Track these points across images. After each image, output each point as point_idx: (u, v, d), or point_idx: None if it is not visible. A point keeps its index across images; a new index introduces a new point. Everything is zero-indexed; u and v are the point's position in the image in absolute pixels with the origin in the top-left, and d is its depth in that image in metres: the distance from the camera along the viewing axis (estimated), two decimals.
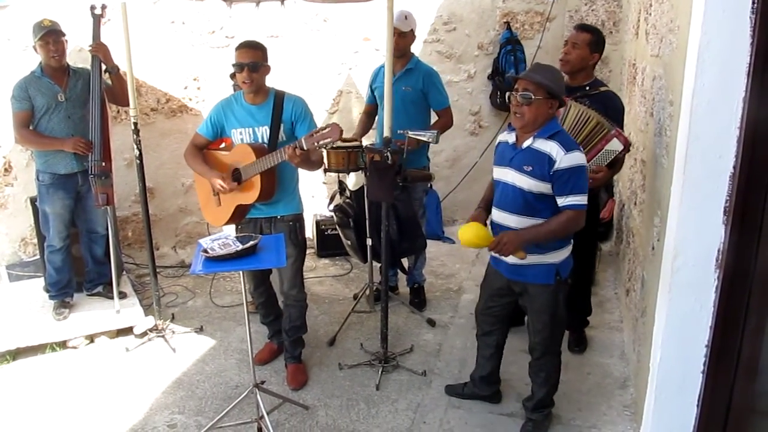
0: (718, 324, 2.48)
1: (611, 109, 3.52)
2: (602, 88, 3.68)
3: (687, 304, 2.50)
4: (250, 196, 3.56)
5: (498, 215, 3.06)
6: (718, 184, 2.34)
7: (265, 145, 3.55)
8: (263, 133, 3.57)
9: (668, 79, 3.08)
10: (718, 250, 2.40)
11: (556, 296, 3.07)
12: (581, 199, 2.84)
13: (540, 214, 2.92)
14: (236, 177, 3.56)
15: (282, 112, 3.57)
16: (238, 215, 3.70)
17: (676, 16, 2.94)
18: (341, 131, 3.23)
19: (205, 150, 3.74)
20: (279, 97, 3.60)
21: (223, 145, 3.81)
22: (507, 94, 2.94)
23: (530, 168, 2.87)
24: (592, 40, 3.64)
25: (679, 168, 2.45)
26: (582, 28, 3.76)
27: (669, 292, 2.53)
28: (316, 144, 3.25)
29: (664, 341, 2.60)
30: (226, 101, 3.69)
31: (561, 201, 2.86)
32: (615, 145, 3.38)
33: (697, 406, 2.61)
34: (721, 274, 2.42)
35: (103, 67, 4.17)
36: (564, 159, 2.80)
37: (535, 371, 3.29)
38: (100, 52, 4.10)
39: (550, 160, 2.82)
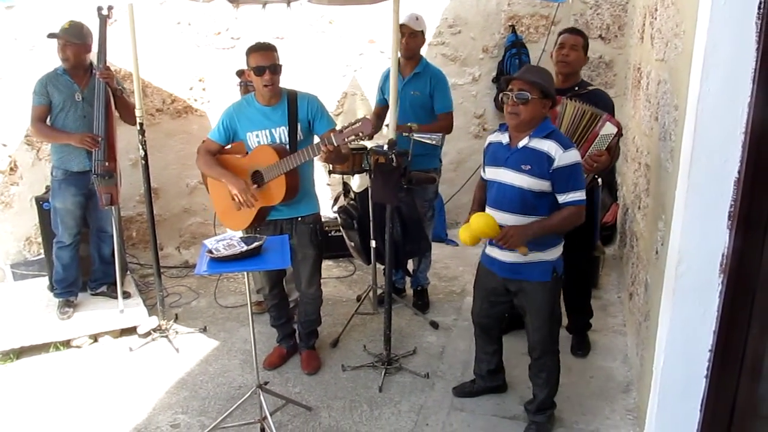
0: (722, 328, 2.48)
1: (602, 105, 3.60)
2: (590, 87, 3.80)
3: (691, 308, 2.50)
4: (274, 197, 3.52)
5: (495, 215, 3.07)
6: (722, 189, 2.34)
7: (286, 146, 3.53)
8: (281, 133, 3.56)
9: (673, 84, 3.08)
10: (723, 255, 2.40)
11: (553, 293, 3.15)
12: (580, 195, 2.93)
13: (538, 211, 2.98)
14: (258, 179, 3.54)
15: (298, 111, 3.56)
16: (260, 218, 3.65)
17: (681, 20, 2.94)
18: (374, 125, 3.21)
19: (218, 155, 3.68)
20: (292, 97, 3.58)
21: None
22: (500, 94, 3.00)
23: (529, 167, 2.93)
24: (584, 43, 3.78)
25: (683, 172, 2.45)
26: (575, 31, 3.87)
27: (673, 297, 2.53)
28: (345, 139, 3.23)
29: (667, 345, 2.59)
30: (237, 105, 3.66)
31: (562, 198, 2.94)
32: (609, 128, 3.45)
33: (701, 410, 2.60)
34: (726, 279, 2.42)
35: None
36: (563, 157, 2.88)
37: (535, 372, 3.30)
38: (105, 77, 4.08)
39: (549, 159, 2.89)
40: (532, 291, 3.11)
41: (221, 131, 3.64)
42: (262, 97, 3.56)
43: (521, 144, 2.96)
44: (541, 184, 2.92)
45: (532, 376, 3.33)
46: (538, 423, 3.33)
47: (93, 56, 4.24)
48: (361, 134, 3.20)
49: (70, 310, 4.49)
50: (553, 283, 3.10)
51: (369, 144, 4.51)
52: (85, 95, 4.25)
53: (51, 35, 4.15)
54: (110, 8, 4.08)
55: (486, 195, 3.22)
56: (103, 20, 4.06)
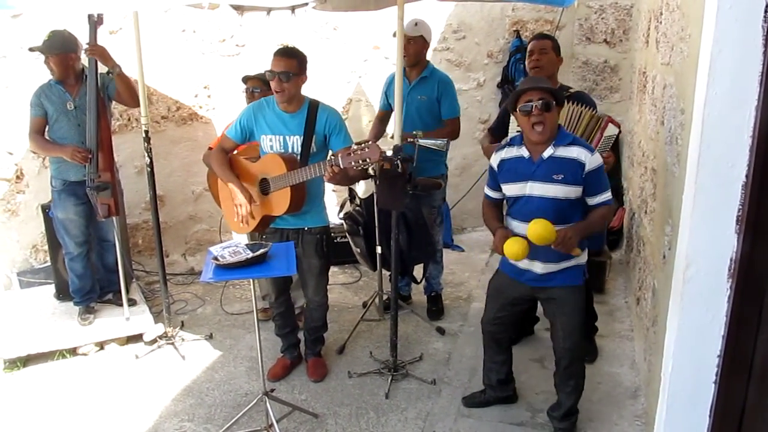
0: (731, 333, 2.46)
1: (586, 106, 3.62)
2: (572, 90, 3.84)
3: (699, 313, 2.48)
4: (278, 208, 3.51)
5: (523, 228, 3.00)
6: (730, 193, 2.33)
7: (297, 156, 3.50)
8: (294, 142, 3.52)
9: (679, 88, 3.07)
10: (731, 260, 2.39)
11: (584, 295, 3.18)
12: (609, 195, 3.01)
13: (571, 220, 2.98)
14: (264, 188, 3.53)
15: (315, 123, 3.51)
16: (263, 225, 3.66)
17: (687, 24, 2.93)
18: (381, 152, 3.15)
19: (231, 156, 3.70)
20: (313, 107, 3.53)
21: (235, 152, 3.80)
22: (518, 109, 2.95)
23: (561, 176, 2.93)
24: (554, 45, 3.82)
25: (690, 177, 2.44)
26: (541, 36, 3.96)
27: (681, 302, 2.51)
28: (353, 164, 3.15)
29: (675, 351, 2.57)
30: (258, 105, 3.63)
31: (593, 200, 3.00)
32: (611, 129, 3.54)
33: (710, 416, 2.58)
34: (734, 284, 2.40)
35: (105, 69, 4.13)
36: (592, 160, 2.94)
37: (563, 380, 3.26)
38: (95, 54, 4.02)
39: (581, 164, 2.93)
40: (565, 296, 3.10)
41: (238, 129, 3.61)
42: (280, 102, 3.52)
43: (546, 154, 2.96)
44: (575, 191, 2.95)
45: (559, 383, 3.29)
46: (564, 429, 3.31)
47: (84, 61, 4.17)
48: (368, 160, 3.13)
49: (91, 316, 4.50)
50: (583, 286, 3.15)
51: None
52: (77, 104, 4.21)
53: (31, 49, 4.14)
54: (100, 15, 4.04)
55: (501, 212, 3.24)
56: (94, 25, 3.99)
